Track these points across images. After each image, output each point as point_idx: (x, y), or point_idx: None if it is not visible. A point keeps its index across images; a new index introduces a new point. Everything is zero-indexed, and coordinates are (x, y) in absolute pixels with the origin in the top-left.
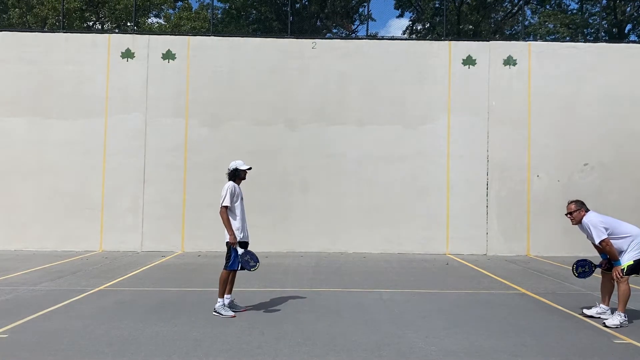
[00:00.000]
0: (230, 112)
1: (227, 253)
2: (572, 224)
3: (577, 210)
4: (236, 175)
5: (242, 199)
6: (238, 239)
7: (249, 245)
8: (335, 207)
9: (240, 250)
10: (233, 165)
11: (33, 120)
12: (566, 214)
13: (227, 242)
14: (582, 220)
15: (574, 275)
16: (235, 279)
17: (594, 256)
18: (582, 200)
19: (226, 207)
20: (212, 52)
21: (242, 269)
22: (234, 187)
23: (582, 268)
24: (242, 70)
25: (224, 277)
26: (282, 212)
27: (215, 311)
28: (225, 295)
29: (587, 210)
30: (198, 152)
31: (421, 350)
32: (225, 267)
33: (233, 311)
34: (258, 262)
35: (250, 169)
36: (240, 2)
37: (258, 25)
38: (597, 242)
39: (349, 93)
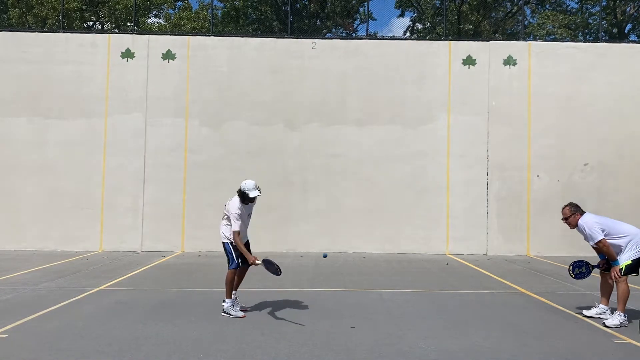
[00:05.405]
0: (230, 112)
1: (227, 254)
2: (570, 229)
3: (572, 215)
4: (244, 197)
5: (249, 215)
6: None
7: (250, 246)
8: (335, 207)
9: (260, 262)
10: (243, 187)
11: (33, 120)
12: (562, 219)
13: (223, 243)
14: (578, 223)
15: (571, 276)
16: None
17: (594, 256)
18: (577, 202)
19: (237, 231)
20: (212, 52)
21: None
22: (242, 210)
23: (579, 269)
24: (242, 70)
25: (229, 278)
26: (282, 212)
27: (224, 312)
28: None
29: (582, 212)
30: (198, 152)
31: (421, 350)
32: (229, 267)
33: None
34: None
35: (259, 195)
36: (241, 2)
37: (258, 25)
38: (593, 243)
39: (349, 93)
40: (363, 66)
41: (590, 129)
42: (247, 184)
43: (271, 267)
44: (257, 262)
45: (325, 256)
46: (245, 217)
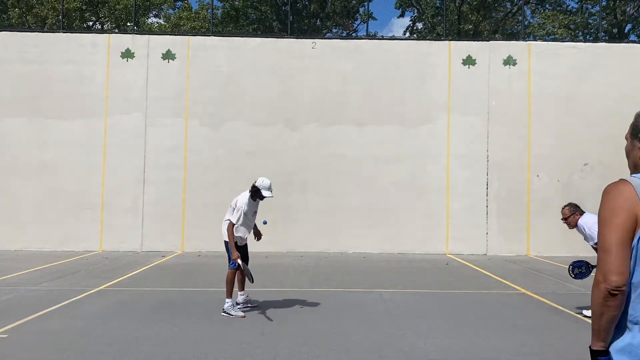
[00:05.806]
0: (230, 112)
1: (228, 253)
2: (569, 229)
3: (571, 215)
4: (256, 193)
5: (255, 213)
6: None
7: (248, 247)
8: (335, 207)
9: (241, 262)
10: (259, 184)
11: (33, 120)
12: (562, 219)
13: (225, 242)
14: (577, 223)
15: (571, 276)
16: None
17: (594, 256)
18: (577, 202)
19: (233, 224)
20: (212, 52)
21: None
22: (247, 207)
23: (579, 269)
24: (242, 70)
25: (229, 277)
26: (282, 212)
27: (224, 311)
28: (239, 293)
29: (581, 212)
30: (198, 152)
31: (421, 350)
32: (229, 267)
33: (250, 306)
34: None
35: (270, 197)
36: (241, 2)
37: (258, 25)
38: (593, 243)
39: (349, 93)
40: (363, 66)
41: (590, 129)
42: (264, 182)
43: (247, 271)
44: (238, 260)
45: (265, 223)
46: (250, 214)
